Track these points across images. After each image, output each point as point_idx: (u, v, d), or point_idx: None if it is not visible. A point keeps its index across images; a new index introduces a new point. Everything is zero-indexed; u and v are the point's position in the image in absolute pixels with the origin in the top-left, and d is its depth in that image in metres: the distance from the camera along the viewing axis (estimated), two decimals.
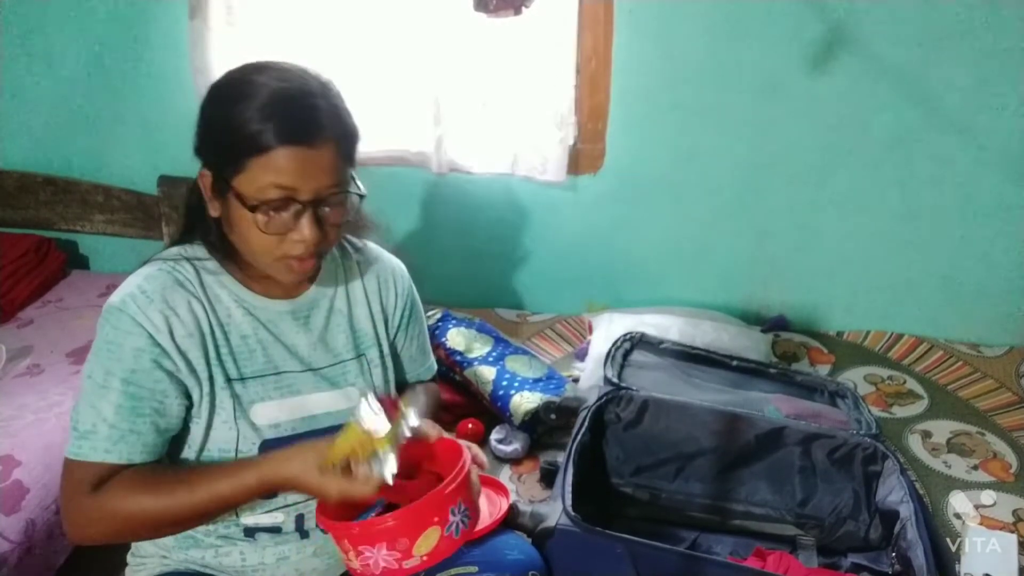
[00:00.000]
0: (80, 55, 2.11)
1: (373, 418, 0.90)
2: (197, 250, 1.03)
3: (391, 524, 0.87)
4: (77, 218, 2.19)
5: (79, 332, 1.87)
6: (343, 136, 0.94)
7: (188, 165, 2.30)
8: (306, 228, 0.93)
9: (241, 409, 0.99)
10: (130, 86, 2.14)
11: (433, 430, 1.01)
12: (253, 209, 0.91)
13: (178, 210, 2.09)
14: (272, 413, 1.01)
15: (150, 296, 0.95)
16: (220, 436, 0.98)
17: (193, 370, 0.96)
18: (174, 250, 1.03)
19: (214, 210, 0.97)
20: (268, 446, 0.99)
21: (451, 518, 0.90)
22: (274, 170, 0.89)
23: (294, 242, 0.94)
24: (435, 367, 1.29)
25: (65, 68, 2.13)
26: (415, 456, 1.01)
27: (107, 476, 0.92)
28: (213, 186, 0.95)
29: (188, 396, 0.97)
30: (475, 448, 1.05)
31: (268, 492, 0.95)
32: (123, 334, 0.93)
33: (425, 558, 0.89)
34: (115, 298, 0.96)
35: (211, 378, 0.98)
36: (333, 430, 1.03)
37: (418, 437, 0.98)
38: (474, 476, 0.99)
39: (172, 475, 0.95)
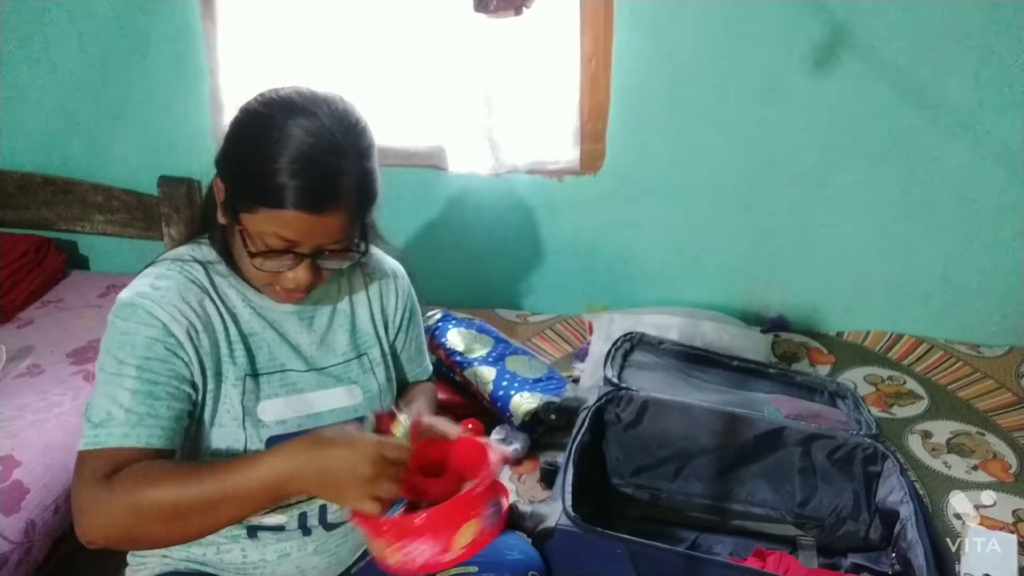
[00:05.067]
0: (80, 55, 2.11)
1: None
2: (206, 251, 1.04)
3: (435, 516, 0.88)
4: (77, 218, 2.19)
5: (79, 332, 1.87)
6: (359, 204, 0.95)
7: (188, 165, 2.30)
8: (301, 274, 0.96)
9: (249, 406, 0.99)
10: (130, 86, 2.14)
11: (453, 429, 1.02)
12: (252, 256, 0.93)
13: (179, 211, 2.10)
14: (279, 410, 1.01)
15: (163, 292, 0.95)
16: (228, 434, 0.98)
17: (203, 366, 0.97)
18: (183, 250, 1.04)
19: (222, 218, 0.98)
20: (274, 443, 1.00)
21: (487, 511, 0.92)
22: (281, 224, 0.91)
23: (287, 279, 0.96)
24: (431, 368, 1.30)
25: (65, 68, 2.13)
26: (436, 455, 1.03)
27: (123, 464, 0.88)
28: (224, 201, 0.96)
29: (195, 391, 0.97)
30: (494, 443, 1.07)
31: (280, 485, 0.85)
32: (136, 325, 0.93)
33: (465, 549, 0.91)
34: (126, 295, 0.95)
35: (220, 374, 0.98)
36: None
37: (438, 436, 1.00)
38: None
39: (185, 466, 0.92)
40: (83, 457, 0.90)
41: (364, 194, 0.95)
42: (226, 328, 0.99)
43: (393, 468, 0.85)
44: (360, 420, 1.07)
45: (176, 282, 0.97)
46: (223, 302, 1.00)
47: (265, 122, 0.92)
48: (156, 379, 0.92)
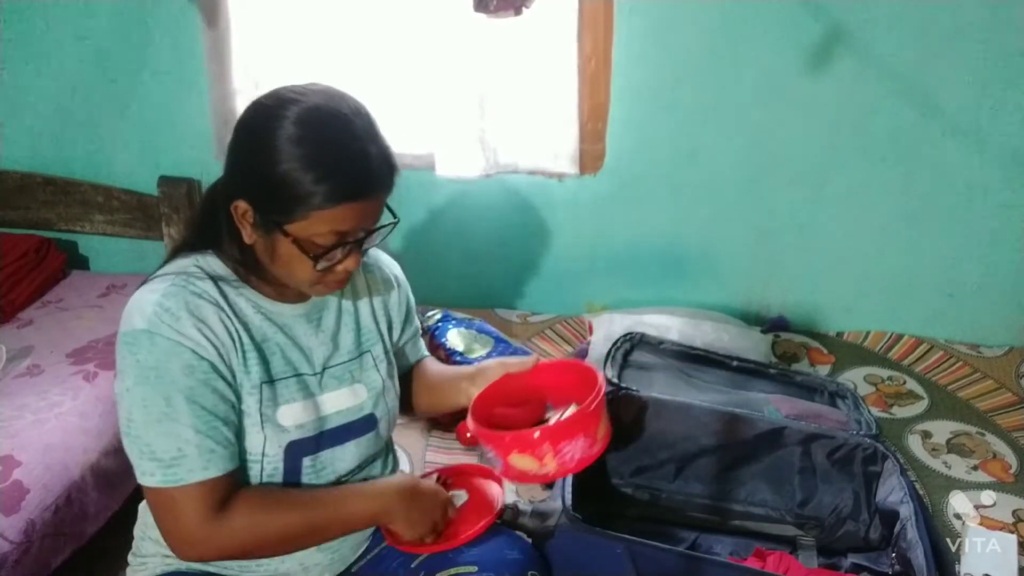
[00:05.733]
0: (81, 55, 2.11)
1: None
2: (212, 263, 1.02)
3: (585, 414, 1.00)
4: (77, 218, 2.19)
5: (79, 332, 1.87)
6: (390, 177, 0.97)
7: (188, 165, 2.30)
8: (352, 261, 0.98)
9: (269, 412, 0.99)
10: (130, 86, 2.14)
11: (528, 360, 1.14)
12: (315, 259, 0.94)
13: (179, 211, 2.10)
14: (297, 415, 1.02)
15: (176, 313, 0.94)
16: (247, 440, 0.99)
17: (234, 376, 0.98)
18: (186, 262, 1.01)
19: (248, 238, 0.97)
20: (294, 448, 1.01)
21: (605, 404, 1.05)
22: (334, 221, 0.93)
23: (337, 271, 0.98)
24: (427, 351, 1.33)
25: (65, 68, 2.13)
26: (514, 387, 1.12)
27: (221, 493, 0.94)
28: (255, 221, 0.95)
29: (240, 397, 0.98)
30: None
31: (379, 518, 1.06)
32: (164, 356, 0.92)
33: (603, 440, 1.03)
34: (138, 321, 0.93)
35: (240, 383, 0.98)
36: (344, 429, 1.07)
37: (519, 368, 1.12)
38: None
39: (295, 494, 1.01)
40: (169, 494, 0.93)
41: (391, 167, 0.97)
42: (240, 339, 0.98)
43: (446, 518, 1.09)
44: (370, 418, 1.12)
45: (184, 300, 0.95)
46: (234, 313, 0.99)
47: (275, 130, 0.91)
48: (207, 408, 0.94)
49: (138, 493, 0.99)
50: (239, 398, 0.98)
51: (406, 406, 1.24)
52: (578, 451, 0.99)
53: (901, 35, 1.92)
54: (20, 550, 1.35)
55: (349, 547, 1.12)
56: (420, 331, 1.30)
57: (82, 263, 2.36)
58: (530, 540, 1.22)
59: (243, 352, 0.99)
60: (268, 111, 0.93)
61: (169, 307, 0.94)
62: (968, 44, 1.91)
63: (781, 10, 1.93)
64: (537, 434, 0.99)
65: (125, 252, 2.31)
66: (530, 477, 1.03)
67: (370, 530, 1.15)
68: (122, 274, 2.21)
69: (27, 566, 1.36)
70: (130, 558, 1.11)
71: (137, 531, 1.10)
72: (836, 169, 2.10)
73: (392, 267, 1.21)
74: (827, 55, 1.95)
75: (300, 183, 0.90)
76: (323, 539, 1.04)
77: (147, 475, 0.93)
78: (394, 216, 1.02)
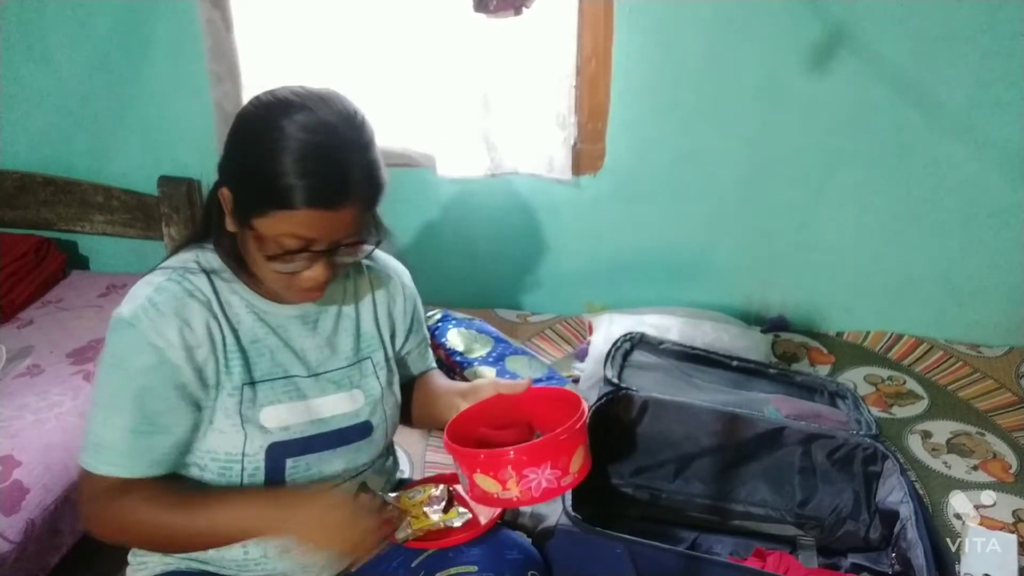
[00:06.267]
0: (81, 55, 2.11)
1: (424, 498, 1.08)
2: (210, 257, 1.03)
3: (556, 441, 0.94)
4: (77, 218, 2.19)
5: (79, 332, 1.87)
6: (369, 195, 0.95)
7: (188, 166, 2.30)
8: (318, 272, 0.96)
9: (249, 413, 0.99)
10: (131, 86, 2.14)
11: (520, 384, 1.09)
12: (270, 259, 0.93)
13: (179, 211, 2.10)
14: (282, 416, 1.02)
15: (161, 310, 0.95)
16: (227, 439, 0.99)
17: (204, 380, 0.97)
18: (186, 256, 1.02)
19: (231, 226, 0.98)
20: (277, 449, 1.01)
21: (586, 438, 1.00)
22: (295, 224, 0.91)
23: (305, 278, 0.96)
24: (434, 362, 1.31)
25: (65, 68, 2.13)
26: (504, 409, 1.09)
27: (121, 489, 0.95)
28: (233, 209, 0.96)
29: (199, 407, 0.98)
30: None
31: (259, 532, 0.97)
32: (132, 351, 0.93)
33: (577, 475, 0.96)
34: (125, 309, 0.95)
35: (218, 384, 0.98)
36: (336, 434, 1.06)
37: (511, 390, 1.08)
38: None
39: (181, 496, 0.98)
40: (85, 475, 0.97)
41: (373, 185, 0.95)
42: (224, 340, 0.99)
43: (365, 524, 0.95)
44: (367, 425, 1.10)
45: (174, 296, 0.96)
46: (224, 312, 1.00)
47: (265, 125, 0.92)
48: (151, 414, 0.94)
49: None
50: (217, 399, 0.98)
51: (404, 416, 1.23)
52: (544, 480, 0.94)
53: (901, 35, 1.92)
54: (20, 550, 1.35)
55: None
56: (428, 342, 1.29)
57: (82, 263, 2.37)
58: (530, 540, 1.22)
59: (225, 354, 0.99)
60: (264, 107, 0.94)
61: (157, 302, 0.95)
62: (968, 44, 1.91)
63: (781, 10, 1.93)
64: (512, 453, 0.94)
65: (125, 252, 2.31)
66: (494, 500, 0.98)
67: None
68: (122, 274, 2.22)
69: (27, 566, 1.37)
70: (130, 558, 1.11)
71: None
72: (836, 169, 2.10)
73: (401, 275, 1.20)
74: (827, 55, 1.95)
75: (270, 179, 0.90)
76: (217, 543, 1.00)
77: (80, 449, 0.97)
78: (378, 234, 1.01)
